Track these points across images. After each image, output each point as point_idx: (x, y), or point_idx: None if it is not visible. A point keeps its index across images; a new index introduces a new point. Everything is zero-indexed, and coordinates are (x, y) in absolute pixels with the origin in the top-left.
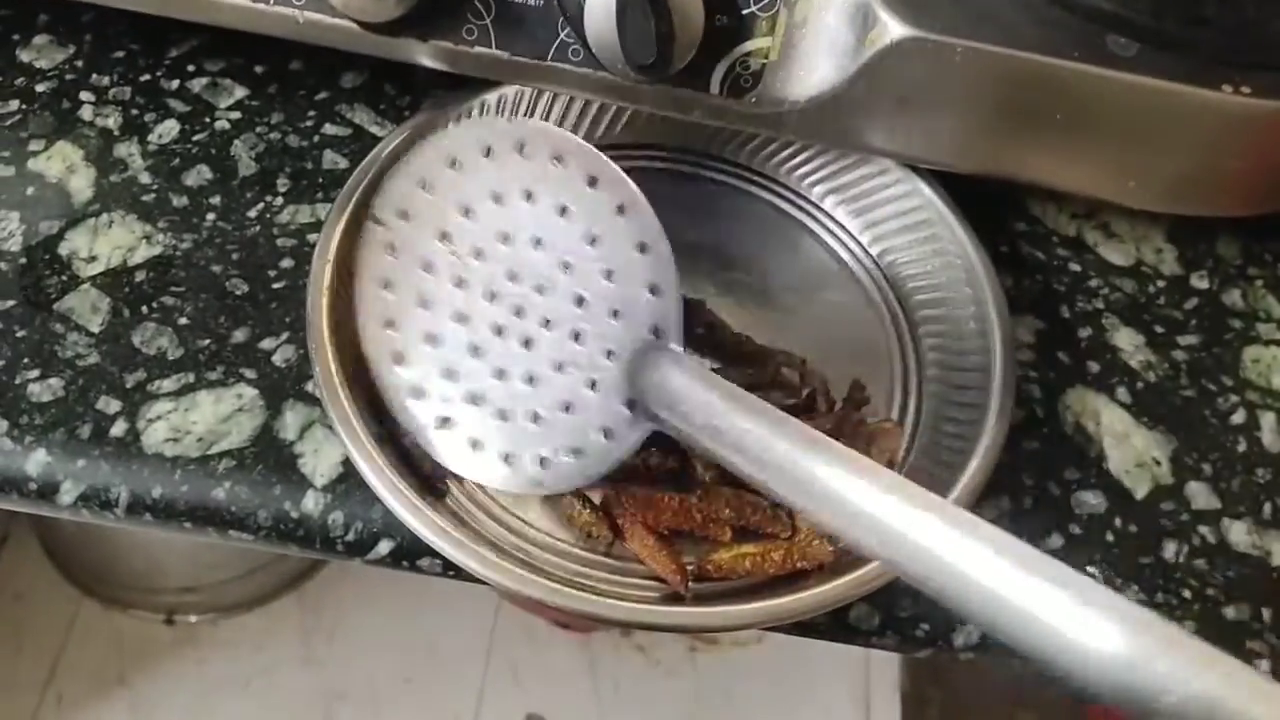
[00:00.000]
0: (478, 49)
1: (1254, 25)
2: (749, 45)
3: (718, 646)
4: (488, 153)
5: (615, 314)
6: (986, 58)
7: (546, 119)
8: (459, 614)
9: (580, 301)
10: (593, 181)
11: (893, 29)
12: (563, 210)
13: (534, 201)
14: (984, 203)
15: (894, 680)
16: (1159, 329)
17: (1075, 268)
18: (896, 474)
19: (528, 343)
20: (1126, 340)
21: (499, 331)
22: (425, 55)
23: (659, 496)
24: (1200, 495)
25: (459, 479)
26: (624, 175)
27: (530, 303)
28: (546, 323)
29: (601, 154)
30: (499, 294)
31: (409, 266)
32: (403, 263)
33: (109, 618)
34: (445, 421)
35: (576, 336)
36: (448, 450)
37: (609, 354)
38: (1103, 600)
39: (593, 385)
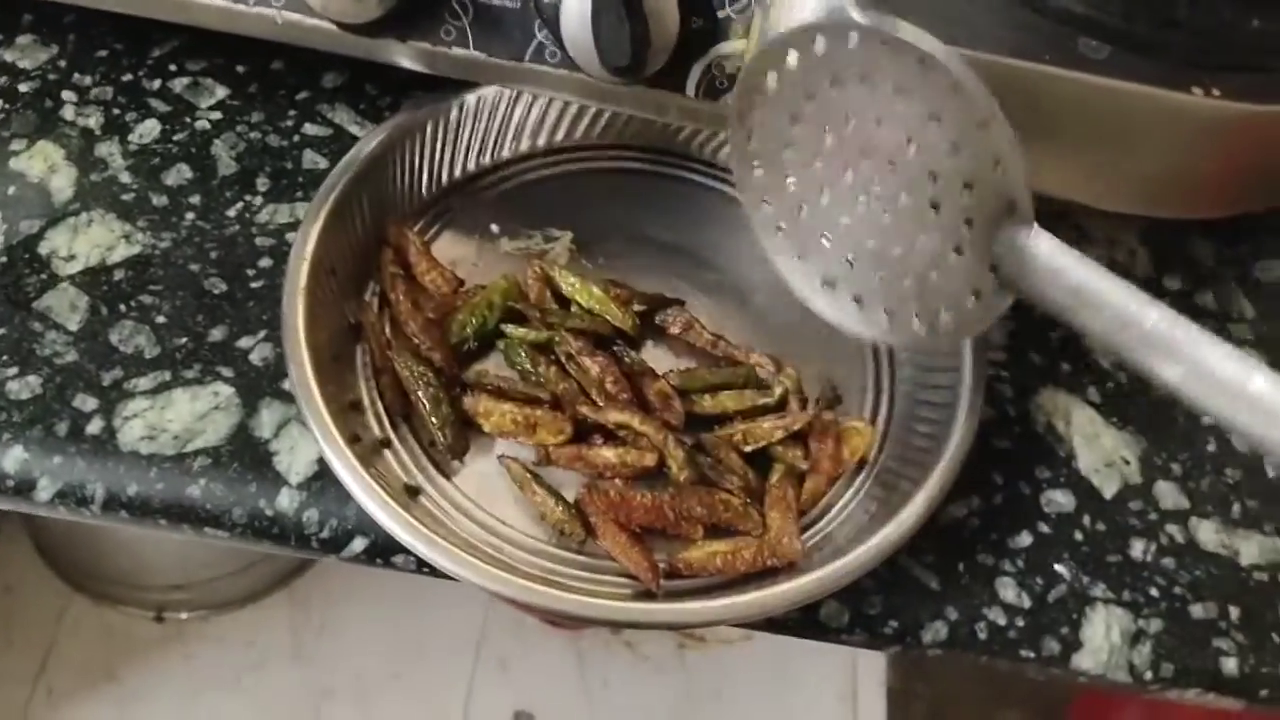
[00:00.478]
0: (456, 50)
1: (1224, 28)
2: (724, 48)
3: (706, 644)
4: (822, 47)
5: (968, 186)
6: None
7: (526, 119)
8: (448, 611)
9: (932, 175)
10: (923, 62)
11: None
12: (900, 90)
13: (871, 84)
14: None
15: (880, 677)
16: None
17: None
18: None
19: (890, 211)
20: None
21: (863, 199)
22: (404, 56)
23: (632, 494)
24: (1169, 495)
25: (436, 478)
26: (953, 55)
27: (885, 176)
28: (903, 194)
29: (926, 38)
30: (856, 168)
31: (771, 146)
32: (764, 143)
33: (99, 613)
34: (830, 282)
35: (935, 207)
36: (832, 309)
37: (968, 222)
38: None
39: (958, 250)
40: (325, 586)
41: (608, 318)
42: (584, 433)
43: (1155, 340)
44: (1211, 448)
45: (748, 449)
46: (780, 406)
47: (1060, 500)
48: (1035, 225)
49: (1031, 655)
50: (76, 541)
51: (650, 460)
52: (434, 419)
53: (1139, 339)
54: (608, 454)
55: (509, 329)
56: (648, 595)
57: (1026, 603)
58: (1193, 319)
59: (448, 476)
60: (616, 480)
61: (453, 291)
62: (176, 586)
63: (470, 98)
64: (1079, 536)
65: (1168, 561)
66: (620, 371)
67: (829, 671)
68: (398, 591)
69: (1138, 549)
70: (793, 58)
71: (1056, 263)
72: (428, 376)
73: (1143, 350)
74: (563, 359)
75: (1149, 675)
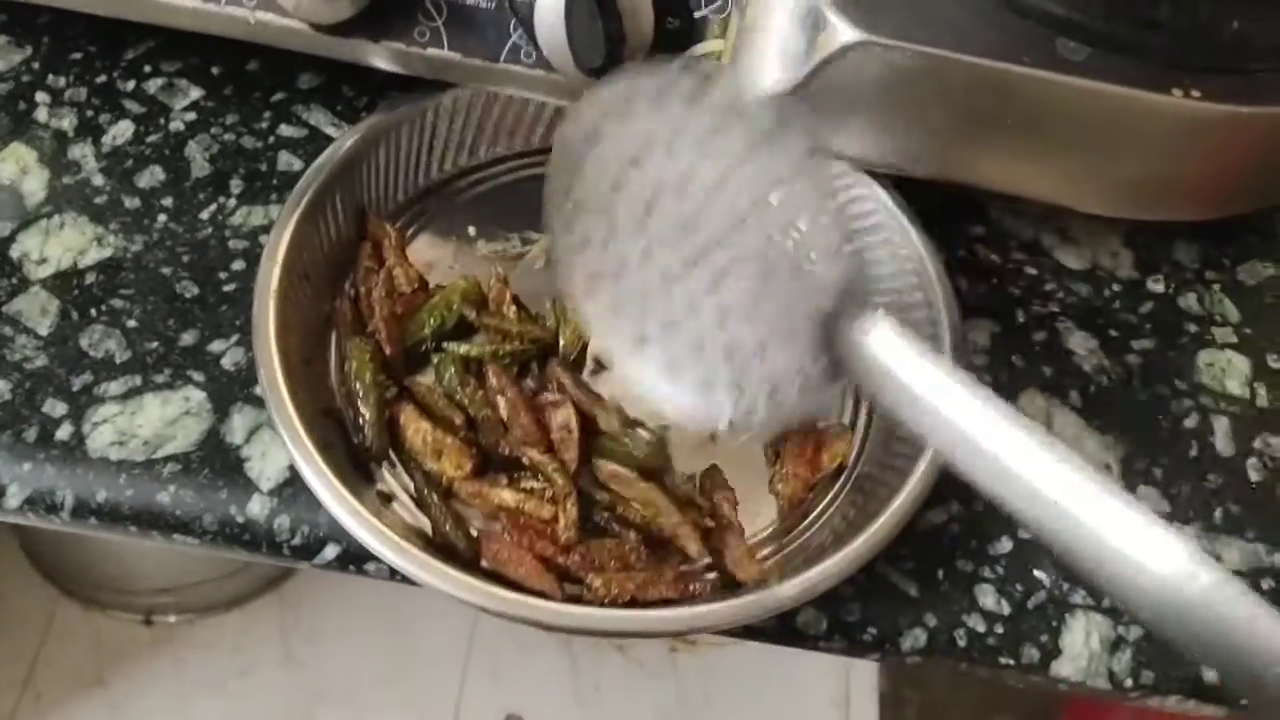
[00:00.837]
0: (430, 50)
1: (1204, 29)
2: (701, 48)
3: (698, 647)
4: (655, 100)
5: (809, 263)
6: (936, 62)
7: (502, 120)
8: (439, 614)
9: (770, 245)
10: (769, 138)
11: (843, 32)
12: (742, 161)
13: (708, 152)
14: (942, 206)
15: (873, 682)
16: (1113, 332)
17: (1031, 271)
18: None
19: (718, 281)
20: (1080, 344)
21: (690, 265)
22: (377, 57)
23: (536, 543)
24: (1150, 500)
25: (404, 480)
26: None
27: (717, 246)
28: (736, 264)
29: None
30: (686, 232)
31: (594, 202)
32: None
33: (87, 618)
34: (641, 342)
35: (767, 280)
36: (640, 374)
37: (804, 307)
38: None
39: (791, 335)
40: (315, 590)
41: (548, 337)
42: (496, 464)
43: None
44: (1193, 452)
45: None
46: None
47: None
48: (874, 316)
49: (1011, 663)
50: (64, 546)
51: (547, 514)
52: (363, 414)
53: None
54: (506, 495)
55: (448, 344)
56: (624, 603)
57: (1006, 609)
58: (1177, 322)
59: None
60: (513, 532)
61: (417, 291)
62: (165, 590)
63: (446, 98)
64: None
65: None
66: (531, 410)
67: (821, 676)
68: (388, 595)
69: None
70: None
71: (886, 360)
72: (371, 370)
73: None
74: (489, 387)
75: (1129, 683)
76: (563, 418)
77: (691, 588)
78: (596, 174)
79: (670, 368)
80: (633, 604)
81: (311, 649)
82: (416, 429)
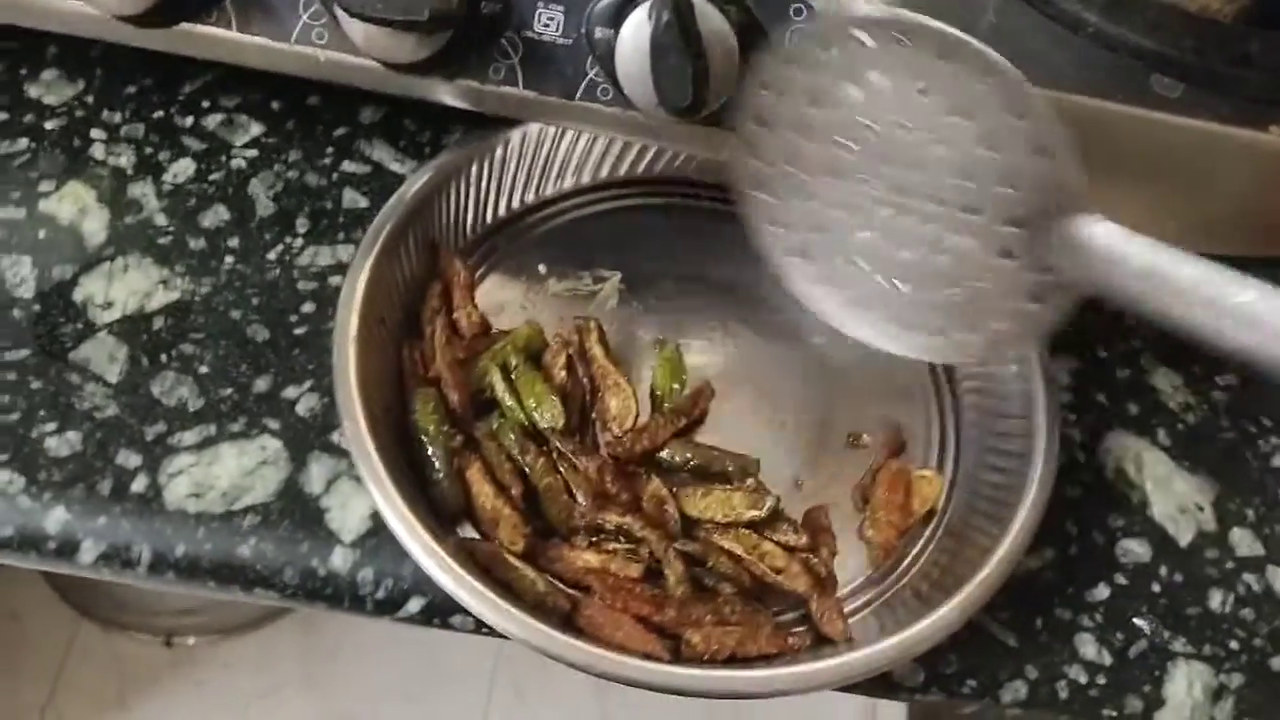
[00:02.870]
0: (505, 88)
1: None
2: None
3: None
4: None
5: (1009, 184)
6: None
7: (571, 154)
8: (462, 635)
9: (966, 177)
10: (945, 54)
11: None
12: (921, 87)
13: (888, 85)
14: None
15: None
16: (1197, 369)
17: (1111, 306)
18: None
19: (924, 222)
20: (1164, 380)
21: (890, 212)
22: (450, 95)
23: (634, 603)
24: (1244, 542)
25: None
26: (978, 45)
27: (913, 184)
28: (935, 202)
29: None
30: (879, 180)
31: (782, 165)
32: (774, 162)
33: (108, 639)
34: (865, 305)
35: (974, 211)
36: (874, 334)
37: (1015, 223)
38: None
39: (1008, 254)
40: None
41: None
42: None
43: (1243, 316)
44: None
45: (756, 571)
46: (771, 520)
47: (1136, 550)
48: (1091, 213)
49: (1114, 714)
50: None
51: (635, 571)
52: (435, 465)
53: (1226, 316)
54: (589, 558)
55: (507, 404)
56: (726, 662)
57: (1107, 659)
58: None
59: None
60: (607, 595)
61: (480, 334)
62: (186, 612)
63: (515, 134)
64: (1156, 588)
65: (1246, 612)
66: (618, 470)
67: (849, 698)
68: None
69: (1216, 600)
70: (798, 66)
71: (1120, 250)
72: (434, 422)
73: (1231, 327)
74: (554, 453)
75: None
76: (653, 488)
77: (790, 641)
78: (784, 125)
79: (898, 322)
80: (732, 660)
81: (333, 670)
82: (481, 491)
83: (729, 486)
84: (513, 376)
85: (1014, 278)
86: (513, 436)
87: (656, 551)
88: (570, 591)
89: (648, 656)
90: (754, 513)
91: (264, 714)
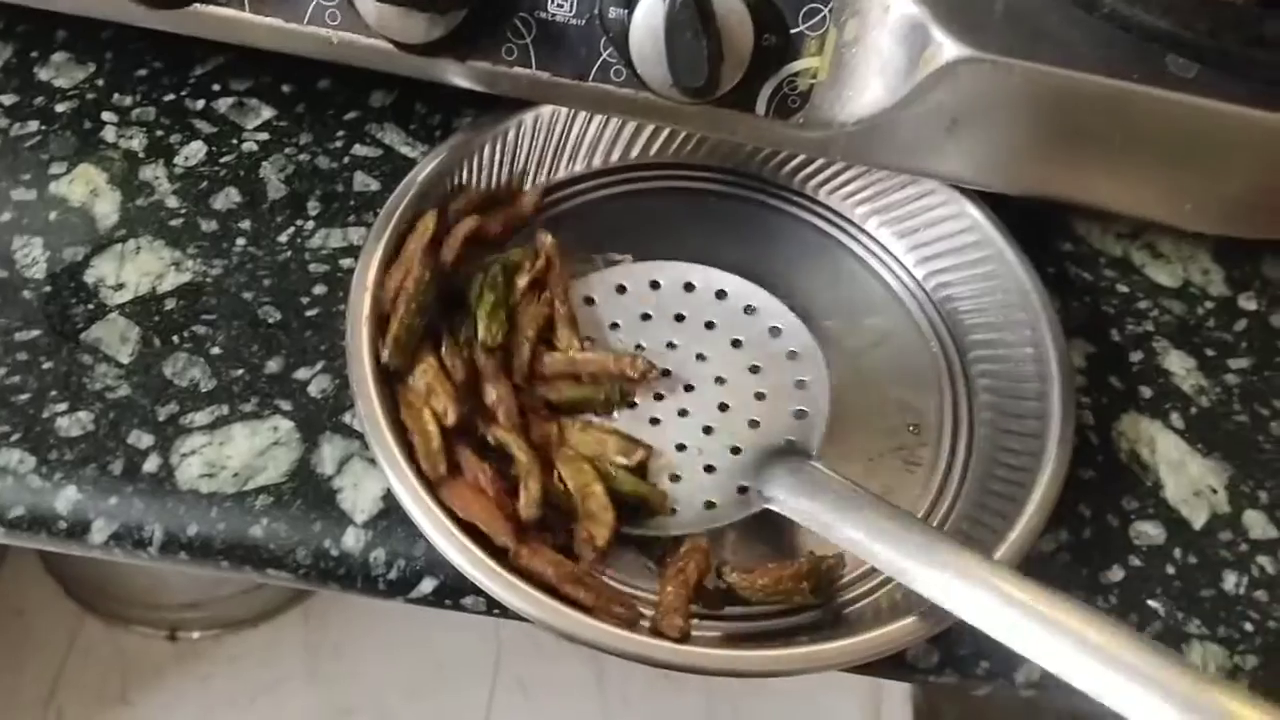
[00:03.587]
0: (517, 69)
1: None
2: (797, 65)
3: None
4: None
5: (753, 424)
6: (1044, 78)
7: (583, 137)
8: (466, 627)
9: (723, 408)
10: (749, 309)
11: (949, 49)
12: (733, 342)
13: (703, 324)
14: (1028, 223)
15: (906, 692)
16: (1210, 352)
17: (1123, 289)
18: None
19: (682, 413)
20: (1178, 364)
21: (657, 398)
22: (463, 76)
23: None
24: (1258, 524)
25: None
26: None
27: (681, 392)
28: (683, 412)
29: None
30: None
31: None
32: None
33: (111, 634)
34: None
35: (707, 431)
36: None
37: (734, 450)
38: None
39: (709, 470)
40: (340, 604)
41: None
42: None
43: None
44: None
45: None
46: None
47: (1150, 532)
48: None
49: None
50: (87, 561)
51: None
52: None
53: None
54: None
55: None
56: (734, 640)
57: None
58: (1272, 341)
59: None
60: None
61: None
62: (189, 606)
63: (528, 116)
64: (1170, 570)
65: (1260, 594)
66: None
67: (853, 687)
68: (414, 609)
69: (1230, 582)
70: None
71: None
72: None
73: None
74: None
75: None
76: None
77: (618, 610)
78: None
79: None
80: (554, 594)
81: (338, 664)
82: (426, 364)
83: (609, 429)
84: (485, 286)
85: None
86: (462, 338)
87: (520, 474)
88: None
89: (494, 551)
90: (622, 459)
91: (268, 708)
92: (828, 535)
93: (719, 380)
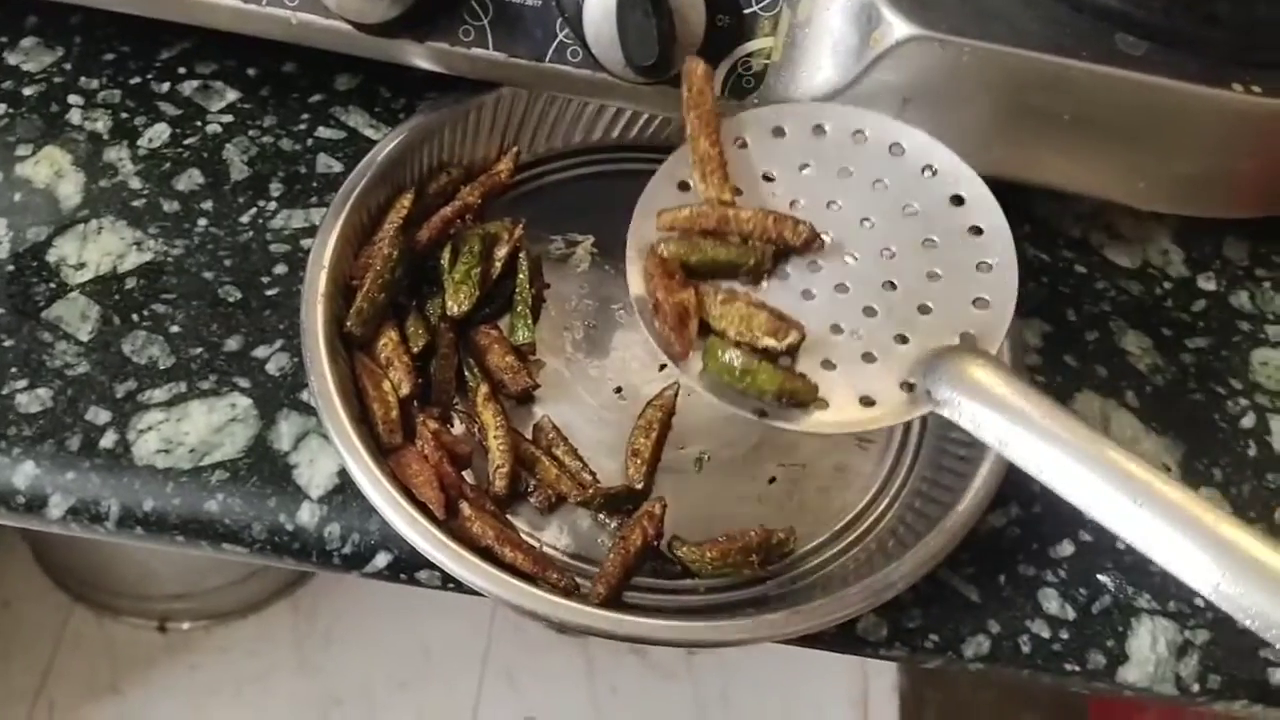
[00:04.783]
0: (475, 50)
1: (1264, 23)
2: (751, 45)
3: (714, 649)
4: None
5: (924, 309)
6: (994, 57)
7: (544, 120)
8: (455, 618)
9: (889, 286)
10: (928, 170)
11: (898, 28)
12: (905, 208)
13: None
14: None
15: (892, 681)
16: (1167, 331)
17: (1081, 270)
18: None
19: (840, 288)
20: (1134, 343)
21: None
22: (421, 57)
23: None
24: (1212, 501)
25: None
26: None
27: (840, 263)
28: (841, 288)
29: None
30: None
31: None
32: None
33: (101, 625)
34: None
35: (868, 312)
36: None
37: (900, 338)
38: None
39: (868, 359)
40: (329, 595)
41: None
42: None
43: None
44: (1252, 452)
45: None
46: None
47: None
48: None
49: (1076, 669)
50: (77, 552)
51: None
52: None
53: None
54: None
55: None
56: (682, 613)
57: (1070, 614)
58: (1230, 320)
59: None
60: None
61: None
62: (179, 596)
63: (489, 98)
64: (1121, 545)
65: None
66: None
67: (839, 675)
68: (402, 600)
69: None
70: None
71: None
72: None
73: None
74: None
75: (1196, 688)
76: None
77: (555, 575)
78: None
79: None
80: (490, 557)
81: (327, 654)
82: (387, 338)
83: (758, 302)
84: (460, 255)
85: (864, 376)
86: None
87: (484, 438)
88: None
89: (427, 513)
90: (770, 341)
91: (257, 698)
92: (1004, 452)
93: (886, 253)
